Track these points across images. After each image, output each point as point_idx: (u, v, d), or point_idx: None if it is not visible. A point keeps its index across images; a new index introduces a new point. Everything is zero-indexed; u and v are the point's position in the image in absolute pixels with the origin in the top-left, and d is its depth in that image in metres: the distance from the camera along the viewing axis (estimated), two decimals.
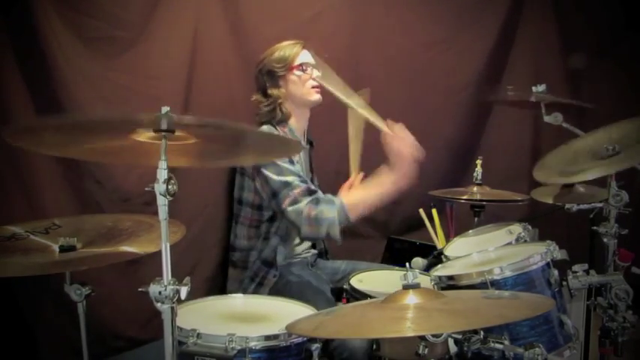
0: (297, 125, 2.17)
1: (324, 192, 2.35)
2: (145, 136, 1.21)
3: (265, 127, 2.09)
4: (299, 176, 1.96)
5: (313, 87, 2.12)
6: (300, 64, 2.11)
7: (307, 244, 2.24)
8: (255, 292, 2.05)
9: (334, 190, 2.37)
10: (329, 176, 2.50)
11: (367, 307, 1.43)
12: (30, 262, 1.39)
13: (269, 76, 2.11)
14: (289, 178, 1.93)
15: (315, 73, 2.11)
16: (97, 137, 1.23)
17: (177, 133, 1.18)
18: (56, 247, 1.44)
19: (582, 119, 2.13)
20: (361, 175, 2.15)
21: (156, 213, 1.18)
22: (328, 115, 2.31)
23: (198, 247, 2.27)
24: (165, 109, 1.14)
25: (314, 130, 2.32)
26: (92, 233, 1.53)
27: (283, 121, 2.13)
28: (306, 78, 2.11)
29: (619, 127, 1.83)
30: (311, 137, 2.31)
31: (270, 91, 2.11)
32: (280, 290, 2.00)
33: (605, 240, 1.78)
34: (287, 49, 2.11)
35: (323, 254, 2.33)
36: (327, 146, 2.50)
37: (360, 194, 1.94)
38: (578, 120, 2.08)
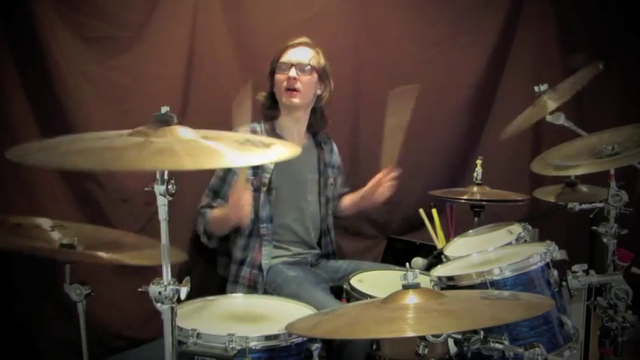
0: (286, 125, 2.17)
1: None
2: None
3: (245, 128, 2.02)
4: (212, 189, 2.09)
5: (287, 89, 2.08)
6: (279, 64, 2.09)
7: (304, 246, 2.23)
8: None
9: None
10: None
11: (367, 307, 1.43)
12: (31, 245, 1.43)
13: (269, 76, 2.14)
14: (212, 183, 2.10)
15: (293, 73, 2.06)
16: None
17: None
18: (57, 239, 1.47)
19: (583, 119, 2.13)
20: (394, 170, 2.17)
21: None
22: (336, 115, 2.31)
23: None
24: (164, 108, 1.15)
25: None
26: (95, 241, 1.54)
27: (271, 118, 2.15)
28: (283, 79, 2.08)
29: (625, 130, 1.84)
30: (323, 139, 2.31)
31: (269, 91, 2.15)
32: (278, 284, 2.01)
33: (604, 240, 1.78)
34: (278, 48, 2.11)
35: (330, 256, 2.32)
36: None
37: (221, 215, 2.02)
38: (579, 120, 2.08)
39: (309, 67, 2.09)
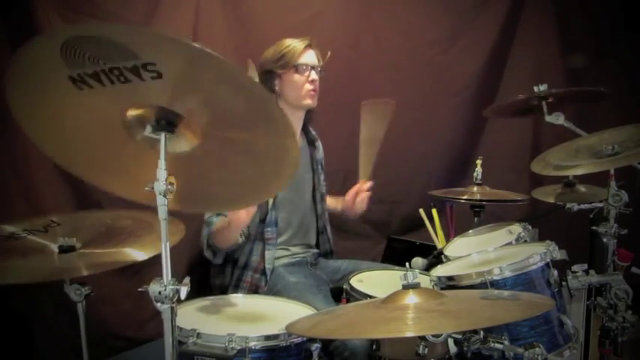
0: None
1: (331, 191, 2.37)
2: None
3: None
4: None
5: (309, 91, 2.07)
6: (299, 65, 2.06)
7: (303, 246, 2.23)
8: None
9: (342, 189, 2.37)
10: (336, 176, 2.51)
11: (367, 307, 1.43)
12: (29, 267, 1.38)
13: (267, 73, 2.08)
14: None
15: (314, 75, 2.07)
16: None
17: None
18: (55, 247, 1.44)
19: (583, 119, 2.13)
20: (369, 182, 2.21)
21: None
22: (336, 114, 2.30)
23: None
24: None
25: (321, 129, 2.32)
26: (91, 231, 1.53)
27: None
28: (303, 81, 2.07)
29: (625, 130, 1.84)
30: (313, 137, 2.31)
31: (266, 88, 2.07)
32: (278, 290, 2.00)
33: (604, 240, 1.78)
34: (289, 47, 2.07)
35: (328, 254, 2.32)
36: (335, 146, 2.50)
37: (225, 225, 1.92)
38: (578, 120, 2.08)
39: (322, 69, 2.12)
